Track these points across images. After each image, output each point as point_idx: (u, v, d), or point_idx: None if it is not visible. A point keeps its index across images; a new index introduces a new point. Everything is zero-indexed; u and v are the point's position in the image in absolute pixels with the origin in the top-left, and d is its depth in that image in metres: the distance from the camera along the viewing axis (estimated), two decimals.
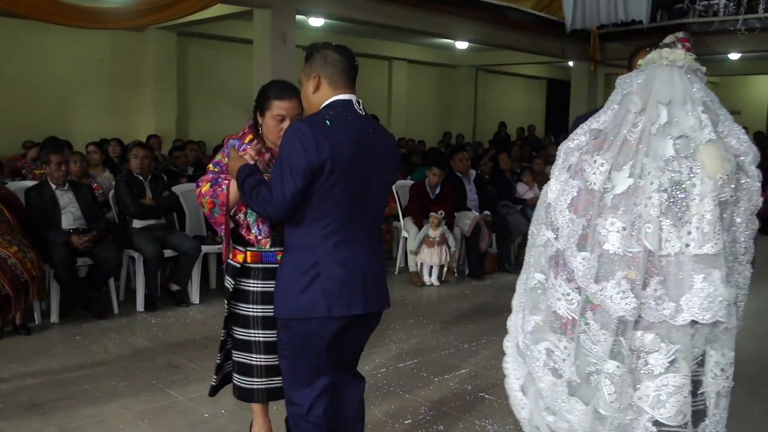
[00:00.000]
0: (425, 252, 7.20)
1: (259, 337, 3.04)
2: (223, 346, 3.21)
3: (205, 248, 6.31)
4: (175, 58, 12.55)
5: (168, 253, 6.07)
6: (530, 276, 2.85)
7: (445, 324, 5.87)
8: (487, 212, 8.04)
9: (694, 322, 2.49)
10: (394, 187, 7.24)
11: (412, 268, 7.42)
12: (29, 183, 6.18)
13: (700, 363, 2.59)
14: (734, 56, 14.80)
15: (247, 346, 3.07)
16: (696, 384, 2.61)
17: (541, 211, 2.82)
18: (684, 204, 2.47)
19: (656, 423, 2.56)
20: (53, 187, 5.76)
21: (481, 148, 13.72)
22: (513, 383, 2.97)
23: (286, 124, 2.93)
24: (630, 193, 2.53)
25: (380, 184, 2.74)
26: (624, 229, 2.52)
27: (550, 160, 11.33)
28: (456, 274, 7.57)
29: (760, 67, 17.43)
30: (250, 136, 3.05)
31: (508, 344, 3.03)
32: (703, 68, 2.68)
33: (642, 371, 2.55)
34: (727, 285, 2.49)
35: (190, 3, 8.36)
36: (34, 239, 5.48)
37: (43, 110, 11.28)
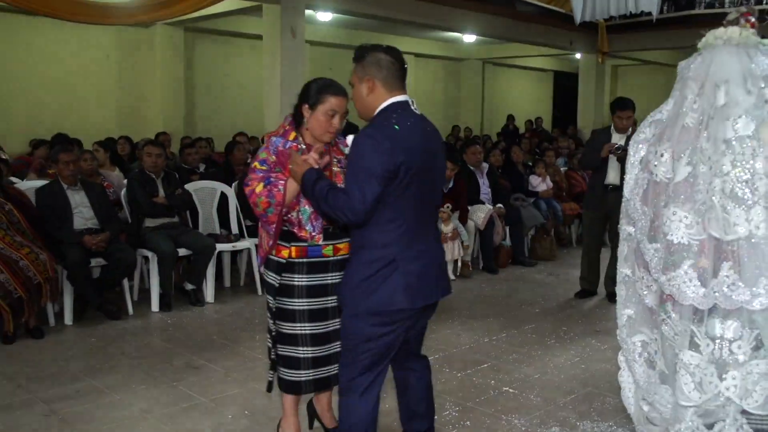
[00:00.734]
0: None
1: (305, 330, 3.12)
2: (275, 342, 3.23)
3: (219, 246, 6.23)
4: (182, 54, 12.48)
5: (182, 251, 6.00)
6: (619, 271, 2.89)
7: (464, 319, 5.79)
8: (500, 205, 7.95)
9: None
10: None
11: None
12: (39, 183, 6.08)
13: None
14: None
15: (293, 340, 3.14)
16: None
17: (623, 206, 2.88)
18: (750, 185, 2.39)
19: (744, 412, 2.52)
20: (65, 186, 5.68)
21: (489, 141, 13.63)
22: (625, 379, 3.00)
23: (336, 120, 3.05)
24: (690, 181, 2.48)
25: (440, 179, 2.93)
26: (686, 217, 2.47)
27: (561, 153, 11.35)
28: (471, 268, 7.48)
29: None
30: (293, 134, 3.11)
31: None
32: (766, 41, 2.59)
33: (728, 360, 2.49)
34: None
35: None
36: (47, 240, 5.41)
37: (48, 107, 11.22)
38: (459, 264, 7.31)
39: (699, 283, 2.44)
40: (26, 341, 5.06)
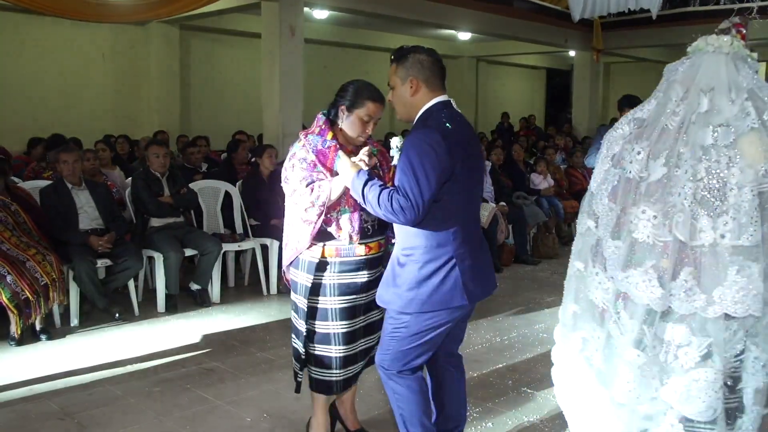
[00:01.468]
0: None
1: (338, 329, 3.13)
2: (307, 342, 3.20)
3: (225, 246, 6.17)
4: (178, 53, 12.37)
5: (188, 252, 5.93)
6: (571, 264, 2.89)
7: (473, 318, 5.71)
8: (503, 203, 7.93)
9: (728, 316, 2.43)
10: None
11: None
12: (42, 183, 5.99)
13: (742, 359, 2.53)
14: None
15: (326, 339, 3.14)
16: (735, 380, 2.56)
17: (585, 200, 2.85)
18: (720, 194, 2.41)
19: (684, 419, 2.52)
20: (69, 186, 5.60)
21: (485, 138, 13.61)
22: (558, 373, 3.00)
23: (370, 126, 3.07)
24: (664, 182, 2.48)
25: (482, 177, 3.00)
26: (655, 217, 2.47)
27: (558, 149, 11.32)
28: None
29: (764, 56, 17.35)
30: (331, 133, 3.09)
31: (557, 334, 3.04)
32: (754, 54, 2.62)
33: (671, 365, 2.50)
34: (766, 279, 2.42)
35: None
36: (52, 241, 5.33)
37: (43, 106, 11.09)
38: None
39: (657, 284, 2.44)
40: (34, 343, 4.99)
